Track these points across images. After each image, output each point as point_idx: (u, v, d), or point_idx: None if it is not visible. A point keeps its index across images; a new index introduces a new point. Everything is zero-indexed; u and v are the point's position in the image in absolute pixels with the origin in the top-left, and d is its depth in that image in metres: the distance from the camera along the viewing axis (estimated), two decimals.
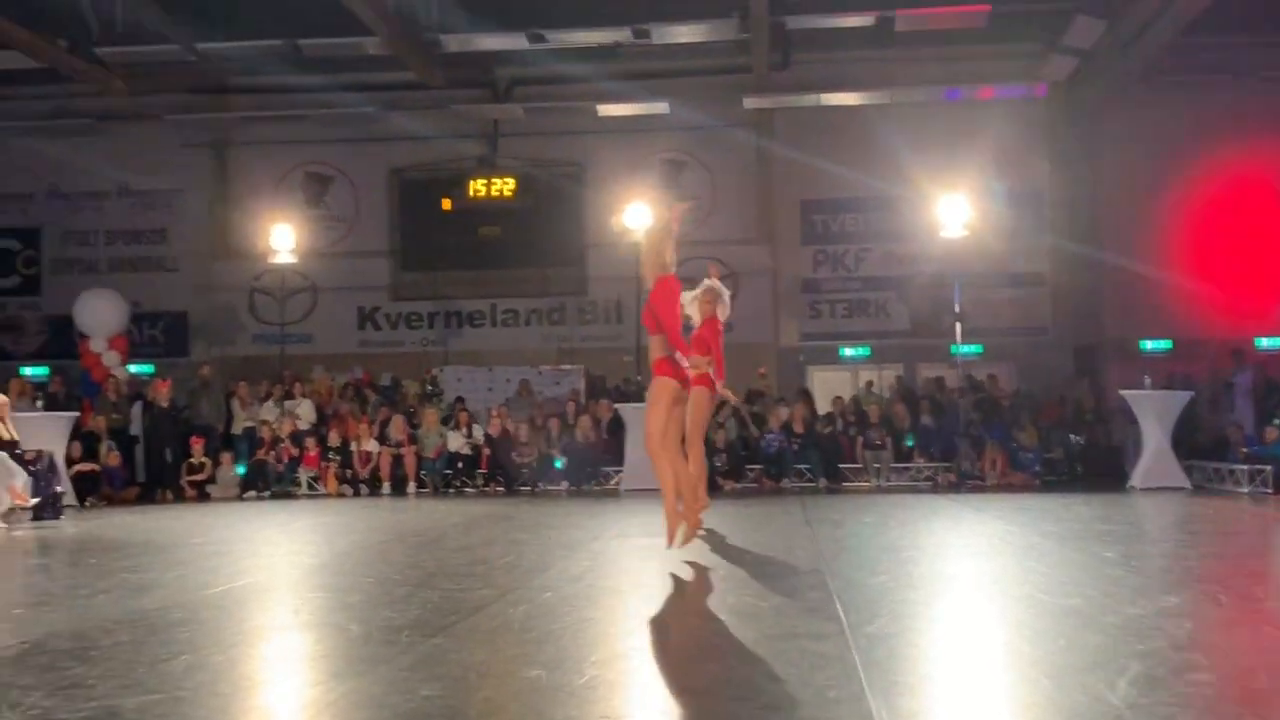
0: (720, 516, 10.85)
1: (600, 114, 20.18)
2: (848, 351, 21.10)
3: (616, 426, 16.92)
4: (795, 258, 21.13)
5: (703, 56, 19.64)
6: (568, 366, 20.30)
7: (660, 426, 7.74)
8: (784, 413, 17.30)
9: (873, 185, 20.17)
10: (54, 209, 22.12)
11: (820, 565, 7.26)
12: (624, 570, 7.62)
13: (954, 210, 17.16)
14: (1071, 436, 17.72)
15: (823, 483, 16.38)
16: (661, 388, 7.77)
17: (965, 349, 18.40)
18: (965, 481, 16.28)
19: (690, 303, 9.75)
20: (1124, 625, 5.02)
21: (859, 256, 21.01)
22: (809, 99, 20.10)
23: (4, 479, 11.75)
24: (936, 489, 16.03)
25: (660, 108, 19.99)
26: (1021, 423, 17.23)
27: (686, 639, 5.15)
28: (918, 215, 18.72)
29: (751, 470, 17.02)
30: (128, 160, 21.31)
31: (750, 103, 20.18)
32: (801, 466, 16.88)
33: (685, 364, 7.69)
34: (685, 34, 18.55)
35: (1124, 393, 15.88)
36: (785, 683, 4.02)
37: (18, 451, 12.39)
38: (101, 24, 17.62)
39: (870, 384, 19.68)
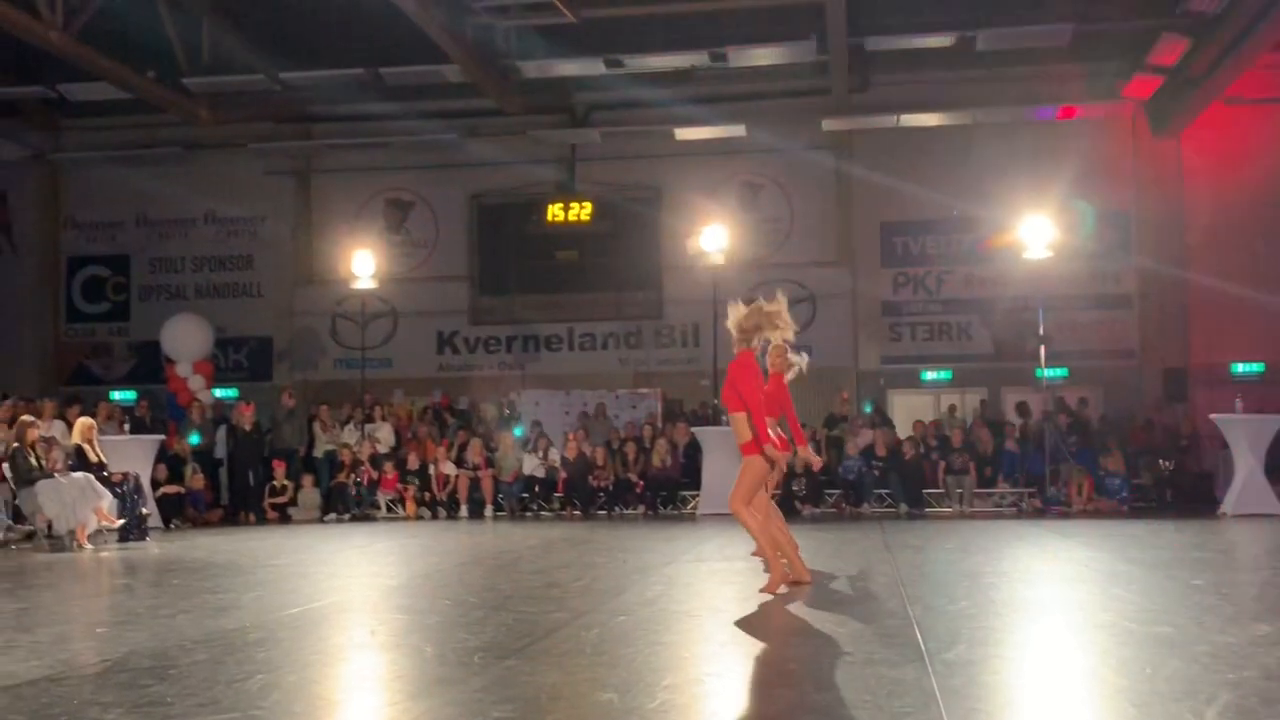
0: (800, 539, 10.73)
1: (677, 138, 20.20)
2: (929, 375, 20.82)
3: (693, 450, 16.85)
4: (875, 280, 20.93)
5: (780, 79, 19.59)
6: (644, 390, 20.28)
7: (746, 498, 7.47)
8: (865, 437, 17.11)
9: (954, 206, 19.93)
10: (142, 237, 22.64)
11: (899, 591, 7.13)
12: (699, 594, 7.54)
13: (1038, 231, 16.89)
14: (1160, 462, 17.30)
15: (903, 508, 16.15)
16: (748, 468, 7.43)
17: (1050, 373, 18.06)
18: (1050, 507, 15.95)
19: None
20: (1214, 653, 4.85)
21: (940, 279, 20.75)
22: (888, 120, 19.94)
23: (91, 500, 11.99)
24: (1021, 515, 15.72)
25: (738, 131, 19.96)
26: (1108, 448, 16.85)
27: (761, 664, 5.07)
28: (1000, 237, 18.46)
29: (831, 495, 16.85)
30: (213, 188, 21.75)
31: (829, 125, 20.07)
32: (882, 491, 16.67)
33: (768, 452, 7.39)
34: (763, 57, 18.51)
35: (1215, 417, 15.46)
36: (861, 709, 3.93)
37: (105, 474, 12.65)
38: (187, 54, 18.04)
39: (953, 408, 19.39)
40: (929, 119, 19.96)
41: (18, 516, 12.14)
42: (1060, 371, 19.49)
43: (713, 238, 17.40)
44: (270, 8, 17.99)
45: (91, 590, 8.60)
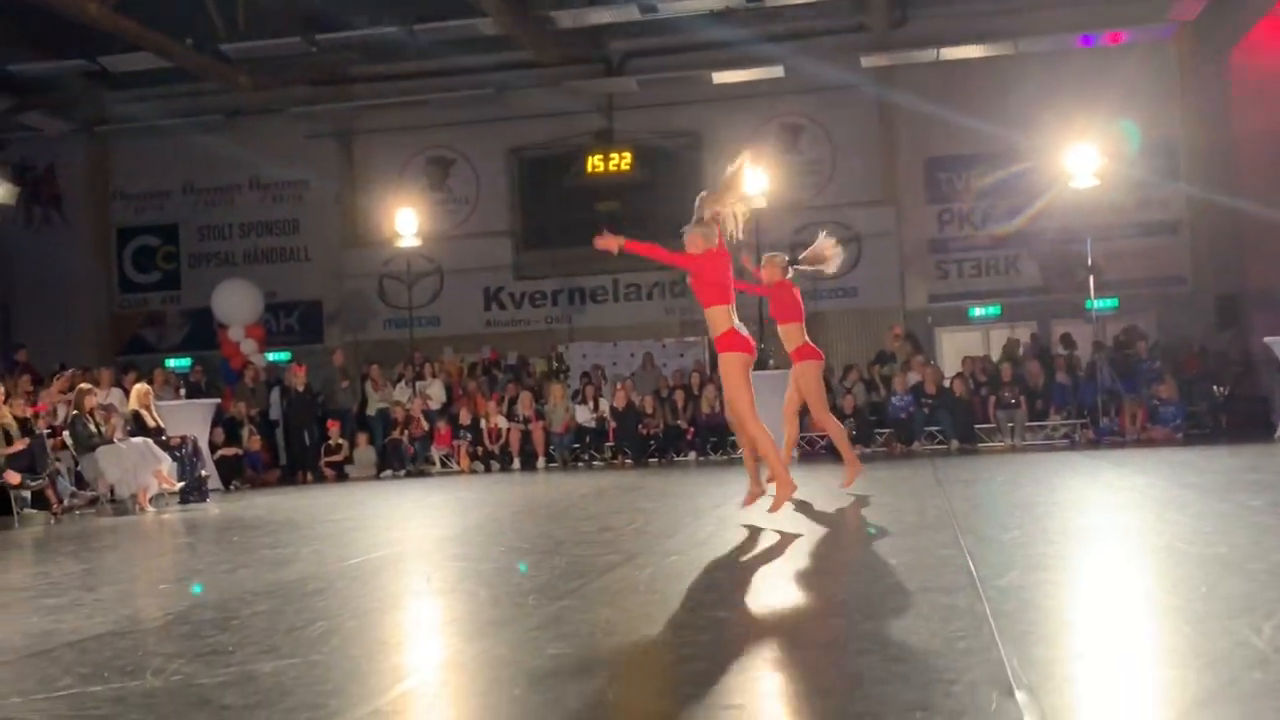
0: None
1: (715, 82, 20.03)
2: (977, 311, 20.63)
3: None
4: (920, 218, 20.72)
5: (818, 17, 19.34)
6: (691, 338, 20.28)
7: (748, 401, 7.62)
8: (913, 375, 17.03)
9: (999, 139, 19.64)
10: (190, 205, 22.85)
11: (951, 523, 7.12)
12: (749, 533, 7.57)
13: (1083, 160, 16.63)
14: (1215, 388, 17.08)
15: (955, 444, 16.08)
16: (729, 364, 7.67)
17: (1100, 303, 17.84)
18: (1104, 438, 15.82)
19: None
20: (1272, 571, 4.80)
21: (986, 213, 20.51)
22: (929, 54, 19.65)
23: (151, 464, 12.22)
24: (1074, 446, 15.61)
25: (776, 72, 19.76)
26: (1161, 376, 16.66)
27: (813, 595, 5.09)
28: (1046, 167, 18.19)
29: (880, 434, 16.81)
30: (257, 154, 21.87)
31: (869, 61, 19.82)
32: (932, 429, 16.61)
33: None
34: None
35: (1269, 340, 15.22)
36: (913, 635, 3.94)
37: (163, 438, 12.88)
38: (224, 20, 18.10)
39: (1016, 342, 19.09)
40: (970, 51, 19.65)
41: (80, 482, 12.39)
42: (1110, 302, 19.26)
43: (754, 182, 17.26)
44: None
45: (154, 550, 8.78)
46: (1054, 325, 19.85)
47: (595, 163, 20.98)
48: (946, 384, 17.27)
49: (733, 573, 5.77)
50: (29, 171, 22.25)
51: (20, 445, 11.71)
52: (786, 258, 9.83)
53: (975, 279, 20.51)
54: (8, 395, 12.46)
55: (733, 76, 19.96)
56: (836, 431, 9.84)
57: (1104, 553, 5.92)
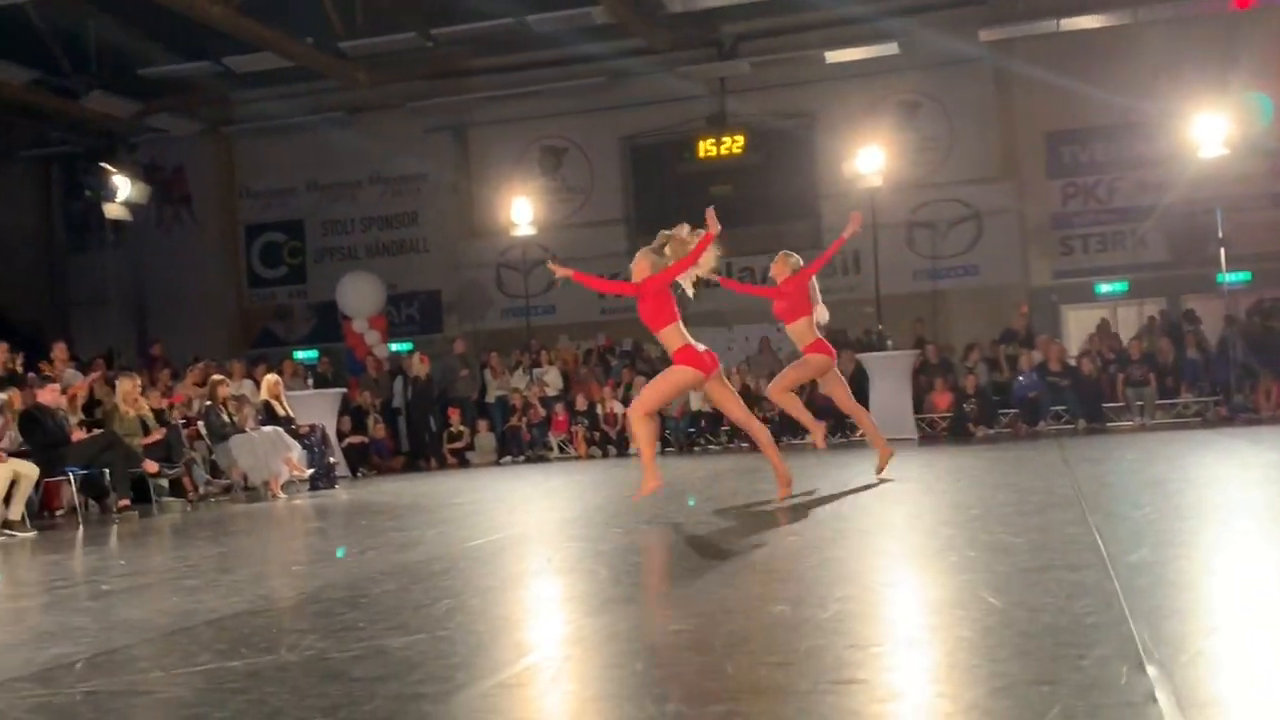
0: (973, 460, 10.57)
1: (829, 61, 19.81)
2: (1104, 288, 20.08)
3: (859, 377, 16.68)
4: (1042, 193, 20.24)
5: None
6: None
7: (652, 403, 7.82)
8: (1037, 354, 16.68)
9: (1122, 110, 19.07)
10: (313, 201, 23.40)
11: (1078, 501, 6.96)
12: (870, 513, 7.51)
13: (1212, 129, 16.07)
14: None
15: (1081, 424, 15.70)
16: (679, 374, 7.78)
17: (1232, 277, 17.22)
18: (1238, 415, 15.30)
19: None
20: None
21: (1111, 187, 19.94)
22: (1048, 26, 19.14)
23: (281, 453, 12.59)
24: (1206, 424, 15.12)
25: (890, 49, 19.46)
26: None
27: (936, 575, 5.03)
28: (1173, 138, 17.61)
29: (1005, 415, 16.50)
30: (377, 149, 22.30)
31: (986, 35, 19.38)
32: (1058, 408, 16.24)
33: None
34: None
35: None
36: (1041, 612, 3.87)
37: (293, 427, 13.25)
38: (342, 18, 18.47)
39: (1153, 319, 18.49)
40: (1090, 21, 19.09)
41: (215, 471, 12.82)
42: (1243, 275, 18.57)
43: (869, 160, 17.08)
44: None
45: (285, 534, 9.05)
46: (1184, 300, 19.23)
47: (708, 147, 20.92)
48: (1073, 362, 16.87)
49: (851, 551, 5.73)
50: (159, 172, 23.00)
51: (158, 435, 12.17)
52: (800, 259, 9.83)
53: (1101, 254, 19.97)
54: (145, 388, 12.95)
55: (847, 55, 19.70)
56: (860, 413, 9.83)
57: (1238, 529, 5.74)
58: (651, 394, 7.90)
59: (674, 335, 7.80)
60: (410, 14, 18.45)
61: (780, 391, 9.53)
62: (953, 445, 14.46)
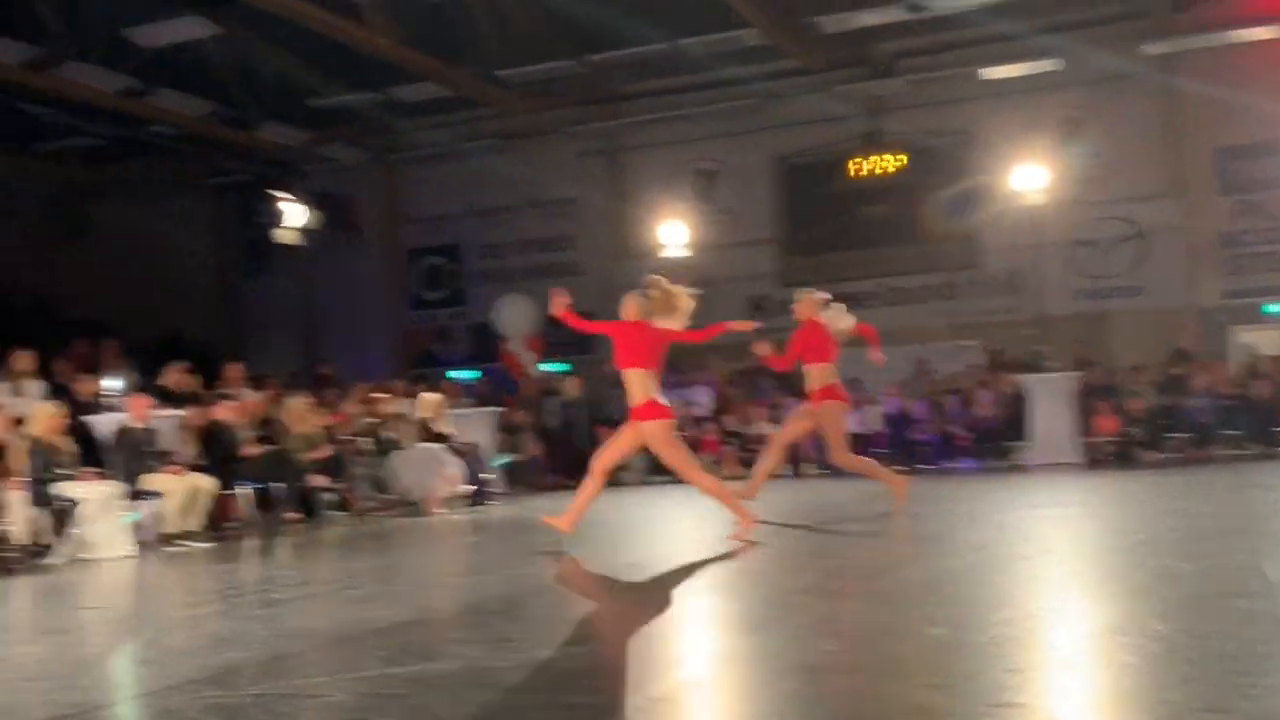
0: (1139, 485, 10.22)
1: (987, 78, 19.43)
2: (1274, 308, 19.16)
3: (1019, 400, 16.29)
4: (1211, 210, 19.44)
5: (1096, 4, 18.47)
6: (964, 342, 19.73)
7: (610, 461, 8.15)
8: (1207, 376, 16.03)
9: None
10: (471, 226, 23.92)
11: (1250, 528, 6.68)
12: (1032, 539, 7.33)
13: None
14: None
15: (1256, 448, 15.02)
16: (654, 431, 7.97)
17: None
18: None
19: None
20: None
21: None
22: (1216, 38, 18.43)
23: (439, 469, 12.90)
24: None
25: (1052, 64, 18.99)
26: None
27: (1100, 600, 4.89)
28: None
29: (1173, 439, 15.88)
30: (531, 174, 22.68)
31: (1151, 49, 18.77)
32: (1230, 432, 15.56)
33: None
34: None
35: None
36: (1208, 639, 3.74)
37: (451, 444, 13.57)
38: (501, 47, 18.90)
39: None
40: (1263, 33, 18.31)
41: (378, 486, 13.20)
42: None
43: (1030, 178, 16.70)
44: None
45: (445, 548, 9.26)
46: None
47: (862, 166, 20.73)
48: (1245, 385, 16.15)
49: (1011, 576, 5.61)
50: (328, 199, 23.80)
51: (325, 452, 12.60)
52: (826, 298, 9.78)
53: (1272, 273, 19.09)
54: (314, 406, 13.43)
55: (1006, 71, 19.29)
56: (866, 466, 9.49)
57: None
58: (610, 449, 8.23)
59: (634, 383, 8.05)
60: (566, 41, 18.79)
61: (845, 454, 9.30)
62: (1119, 470, 14.00)
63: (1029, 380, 15.97)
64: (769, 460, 9.66)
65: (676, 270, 8.83)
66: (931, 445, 16.40)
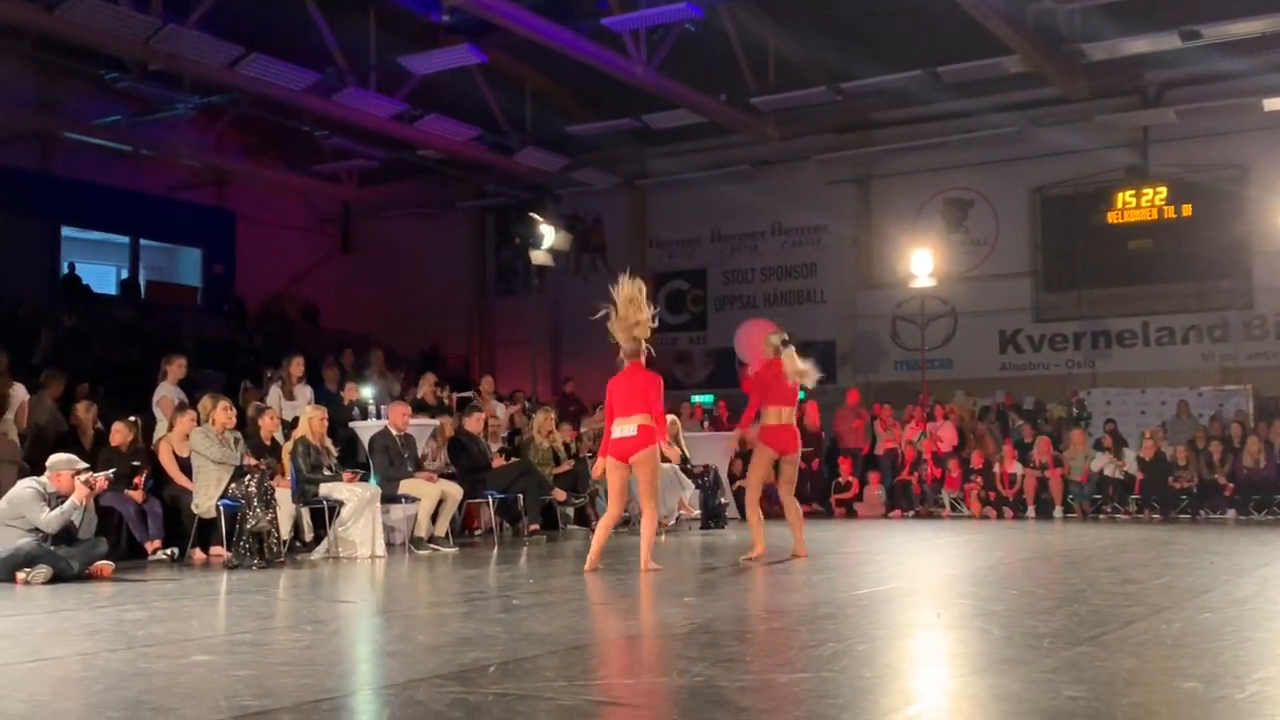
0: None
1: (1266, 109, 18.31)
2: None
3: None
4: None
5: None
6: (1232, 386, 18.58)
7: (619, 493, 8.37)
8: None
9: None
10: (716, 251, 24.15)
11: None
12: None
13: None
14: None
15: None
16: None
17: None
18: None
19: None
20: None
21: None
22: None
23: (676, 490, 13.05)
24: None
25: None
26: None
27: None
28: None
29: None
30: (779, 201, 22.73)
31: None
32: None
33: None
34: None
35: None
36: None
37: (688, 466, 13.70)
38: (755, 75, 19.04)
39: None
40: None
41: None
42: None
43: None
44: (830, 20, 18.58)
45: (678, 569, 9.35)
46: None
47: (1126, 199, 19.83)
48: None
49: (1275, 634, 5.25)
50: (580, 223, 24.54)
51: (567, 466, 12.96)
52: (782, 338, 9.63)
53: None
54: (558, 422, 13.82)
55: None
56: (757, 518, 9.21)
57: None
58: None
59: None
60: (820, 69, 18.77)
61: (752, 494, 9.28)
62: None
63: None
64: (752, 514, 9.32)
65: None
66: (1191, 494, 15.52)
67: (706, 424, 17.27)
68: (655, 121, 19.88)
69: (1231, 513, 15.14)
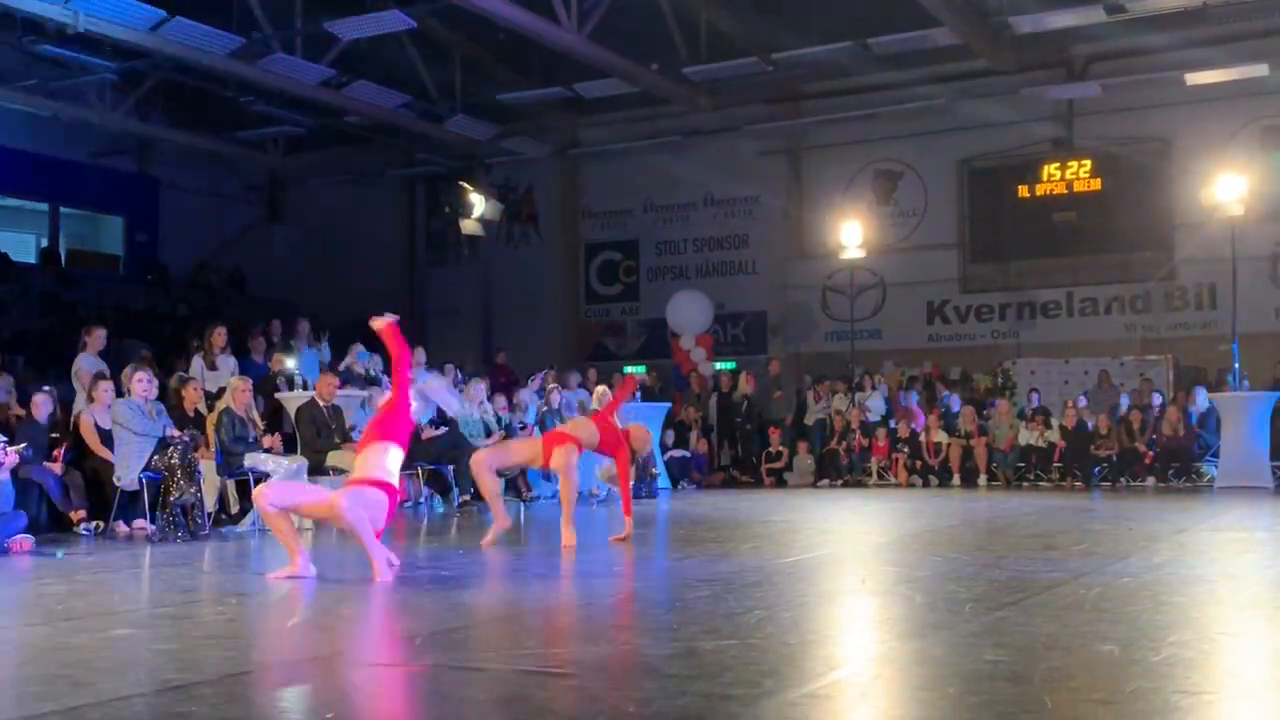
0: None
1: (1189, 83, 18.61)
2: None
3: (1208, 419, 15.58)
4: None
5: None
6: (1153, 357, 18.97)
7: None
8: None
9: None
10: (648, 222, 24.12)
11: None
12: (1213, 560, 7.02)
13: None
14: None
15: None
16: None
17: None
18: None
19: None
20: None
21: None
22: None
23: (606, 461, 13.04)
24: None
25: (1258, 71, 18.07)
26: None
27: (1271, 625, 4.66)
28: None
29: None
30: (711, 172, 22.74)
31: None
32: None
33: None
34: None
35: None
36: None
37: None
38: (687, 45, 18.99)
39: None
40: None
41: (545, 475, 13.42)
42: None
43: (1230, 189, 15.94)
44: None
45: (606, 538, 9.36)
46: None
47: (1051, 172, 20.11)
48: None
49: (1190, 597, 5.39)
50: (511, 192, 24.37)
51: (499, 438, 12.90)
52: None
53: None
54: (490, 393, 13.77)
55: (1208, 78, 18.46)
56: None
57: None
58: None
59: None
60: (751, 39, 18.76)
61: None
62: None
63: (1222, 399, 15.30)
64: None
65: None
66: (1112, 461, 15.85)
67: (638, 395, 17.26)
68: (587, 90, 19.74)
69: (1151, 480, 15.48)
